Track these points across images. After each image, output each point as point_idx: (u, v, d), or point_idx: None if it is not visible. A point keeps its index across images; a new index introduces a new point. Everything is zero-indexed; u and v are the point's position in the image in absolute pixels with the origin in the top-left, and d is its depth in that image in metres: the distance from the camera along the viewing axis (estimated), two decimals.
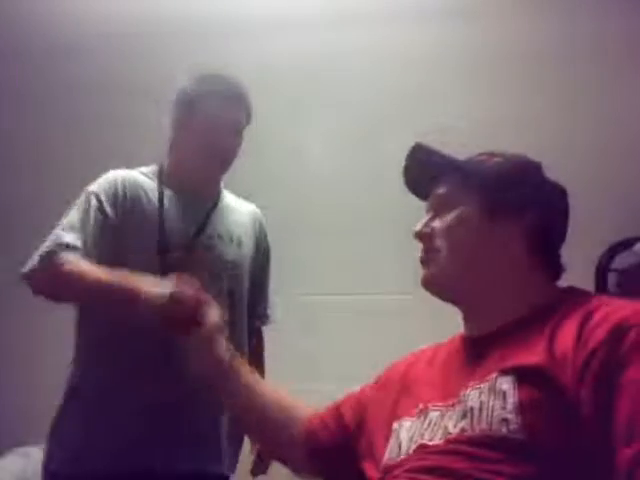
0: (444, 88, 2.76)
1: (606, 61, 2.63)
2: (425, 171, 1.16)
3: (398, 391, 1.15)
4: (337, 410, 1.24)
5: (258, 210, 1.99)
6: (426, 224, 1.14)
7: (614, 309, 0.96)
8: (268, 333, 2.73)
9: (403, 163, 1.19)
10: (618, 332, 0.91)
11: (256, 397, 1.28)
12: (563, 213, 1.16)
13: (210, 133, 1.79)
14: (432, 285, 1.12)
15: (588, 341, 0.92)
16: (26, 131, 3.04)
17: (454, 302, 1.14)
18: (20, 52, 2.97)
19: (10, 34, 2.96)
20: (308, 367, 2.58)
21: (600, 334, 0.92)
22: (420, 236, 1.13)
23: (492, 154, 1.16)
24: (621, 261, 2.32)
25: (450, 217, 1.11)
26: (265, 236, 1.99)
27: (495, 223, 1.09)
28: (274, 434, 1.28)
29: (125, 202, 1.75)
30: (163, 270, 1.67)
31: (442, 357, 1.14)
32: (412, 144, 1.17)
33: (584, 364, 0.90)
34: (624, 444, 0.84)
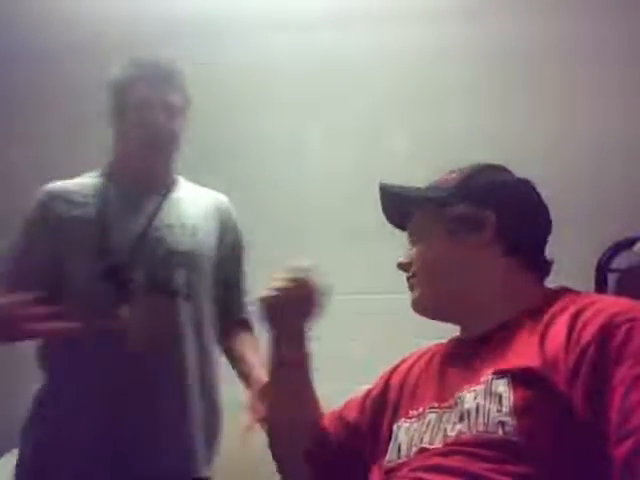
0: (445, 89, 2.76)
1: (606, 61, 2.63)
2: (396, 208, 1.23)
3: (398, 393, 1.16)
4: (340, 418, 1.24)
5: (225, 200, 1.93)
6: (406, 255, 1.21)
7: (602, 307, 0.96)
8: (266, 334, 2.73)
9: (379, 196, 1.23)
10: (606, 331, 0.91)
11: (307, 397, 1.26)
12: (530, 206, 1.16)
13: (140, 117, 1.75)
14: (418, 309, 1.18)
15: (578, 341, 0.92)
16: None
17: (445, 320, 1.17)
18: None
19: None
20: None
21: (589, 334, 0.92)
22: (402, 267, 1.20)
23: (451, 171, 1.20)
24: (621, 261, 2.31)
25: (421, 246, 1.17)
26: (233, 227, 1.92)
27: (460, 238, 1.12)
28: (295, 438, 1.24)
29: (53, 216, 1.75)
30: (105, 273, 1.68)
31: (439, 359, 1.15)
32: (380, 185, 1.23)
33: (575, 365, 0.91)
34: (616, 443, 0.84)
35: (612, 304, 0.97)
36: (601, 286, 2.29)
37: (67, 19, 2.94)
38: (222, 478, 1.91)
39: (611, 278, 2.31)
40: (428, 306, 1.17)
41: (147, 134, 1.75)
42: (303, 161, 2.84)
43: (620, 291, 2.26)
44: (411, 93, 2.78)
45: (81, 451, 1.67)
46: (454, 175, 1.18)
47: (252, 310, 1.90)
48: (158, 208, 1.78)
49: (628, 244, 2.32)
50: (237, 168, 2.82)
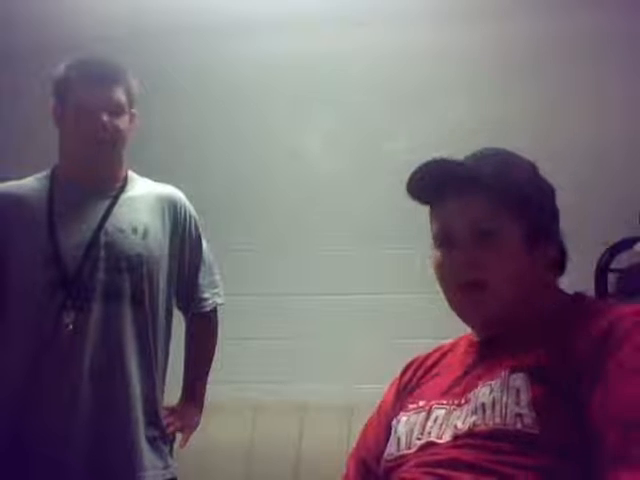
0: (444, 88, 2.76)
1: (606, 61, 2.63)
2: (444, 182, 1.07)
3: (406, 396, 1.15)
4: (363, 462, 1.16)
5: (176, 193, 1.87)
6: (474, 256, 1.05)
7: (614, 310, 0.98)
8: (267, 334, 2.73)
9: (416, 173, 1.07)
10: (612, 326, 0.94)
11: None
12: (556, 212, 1.14)
13: (81, 116, 1.72)
14: (487, 316, 1.07)
15: (589, 343, 0.94)
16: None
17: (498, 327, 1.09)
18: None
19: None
20: (307, 367, 2.58)
21: (598, 332, 0.94)
22: (467, 267, 1.05)
23: (496, 154, 1.11)
24: (621, 261, 2.32)
25: (498, 253, 1.04)
26: (185, 219, 1.85)
27: (534, 246, 1.06)
28: None
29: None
30: (53, 283, 1.66)
31: (448, 358, 1.14)
32: (428, 157, 1.07)
33: (585, 364, 0.92)
34: (603, 436, 0.86)
35: (623, 308, 0.98)
36: (601, 286, 2.29)
37: (68, 19, 2.93)
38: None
39: (611, 278, 2.32)
40: (496, 316, 1.06)
41: (89, 137, 1.73)
42: (301, 161, 2.84)
43: (620, 291, 2.27)
44: (411, 92, 2.78)
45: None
46: (516, 168, 1.09)
47: (214, 302, 1.90)
48: (109, 212, 1.75)
49: (628, 244, 2.33)
50: (235, 167, 2.83)
